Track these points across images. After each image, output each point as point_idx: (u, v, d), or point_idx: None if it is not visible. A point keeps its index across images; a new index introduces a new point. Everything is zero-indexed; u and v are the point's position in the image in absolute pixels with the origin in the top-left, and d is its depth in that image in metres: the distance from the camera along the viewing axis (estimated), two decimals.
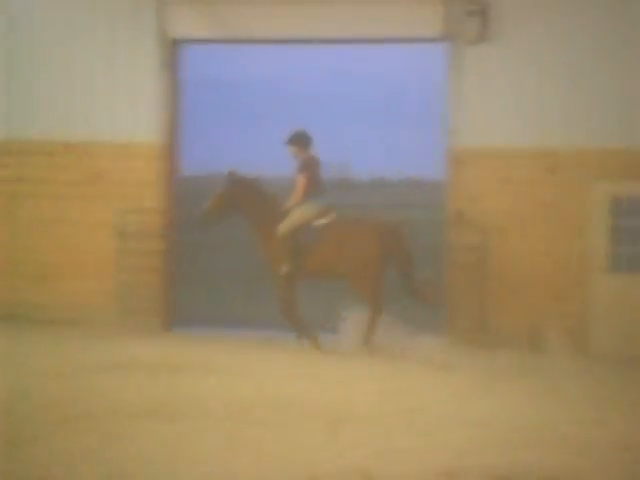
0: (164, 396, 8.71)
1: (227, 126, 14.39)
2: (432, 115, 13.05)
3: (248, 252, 12.72)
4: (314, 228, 11.68)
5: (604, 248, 12.35)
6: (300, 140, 11.87)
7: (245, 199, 11.86)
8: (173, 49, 13.25)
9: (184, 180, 13.55)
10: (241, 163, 12.36)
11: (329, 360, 11.02)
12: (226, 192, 11.83)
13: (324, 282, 12.18)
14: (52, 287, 13.28)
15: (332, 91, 14.43)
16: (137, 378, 9.59)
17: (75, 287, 13.12)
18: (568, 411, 8.62)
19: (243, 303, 13.48)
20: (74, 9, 13.40)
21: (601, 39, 12.40)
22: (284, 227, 11.67)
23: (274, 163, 12.62)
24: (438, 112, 12.79)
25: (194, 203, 12.46)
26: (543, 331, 11.95)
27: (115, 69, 13.27)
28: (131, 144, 12.22)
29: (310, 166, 11.82)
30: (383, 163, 14.67)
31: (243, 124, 14.34)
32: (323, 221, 11.71)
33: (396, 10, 12.65)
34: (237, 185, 11.87)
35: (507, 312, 12.38)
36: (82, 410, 8.07)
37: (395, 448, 7.14)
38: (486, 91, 12.57)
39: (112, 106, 13.26)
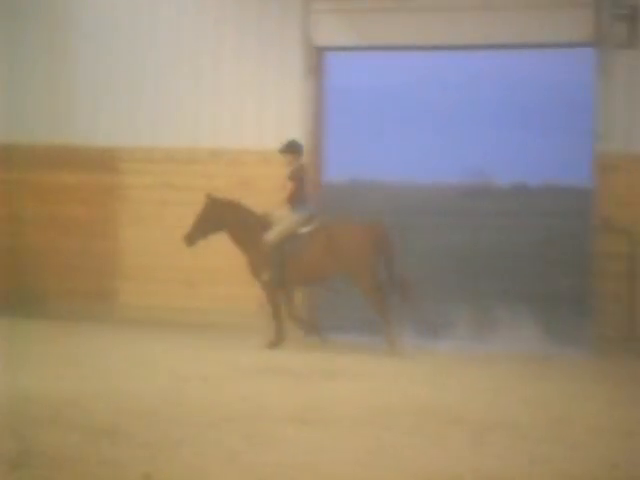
0: (308, 401, 8.79)
1: (370, 132, 14.44)
2: (579, 120, 12.84)
3: None
4: (301, 235, 11.93)
5: None
6: (294, 149, 12.11)
7: (224, 216, 12.19)
8: (318, 56, 13.37)
9: (328, 186, 13.66)
10: (384, 169, 12.36)
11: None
12: (204, 213, 12.21)
13: (319, 285, 12.56)
14: (201, 292, 13.56)
15: (474, 96, 14.35)
16: (282, 383, 9.72)
17: (224, 292, 13.36)
18: None
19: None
20: (223, 17, 13.64)
21: None
22: (272, 236, 11.92)
23: (421, 169, 12.57)
24: (585, 117, 12.56)
25: (338, 209, 12.56)
26: None
27: (263, 77, 13.46)
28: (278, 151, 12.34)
29: (300, 175, 12.09)
30: (525, 169, 14.50)
31: (386, 130, 14.37)
32: (308, 228, 11.95)
33: (543, 15, 12.49)
34: (215, 205, 12.24)
35: None
36: (228, 414, 8.20)
37: (543, 458, 7.03)
38: (635, 96, 12.30)
39: (259, 113, 13.45)
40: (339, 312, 13.11)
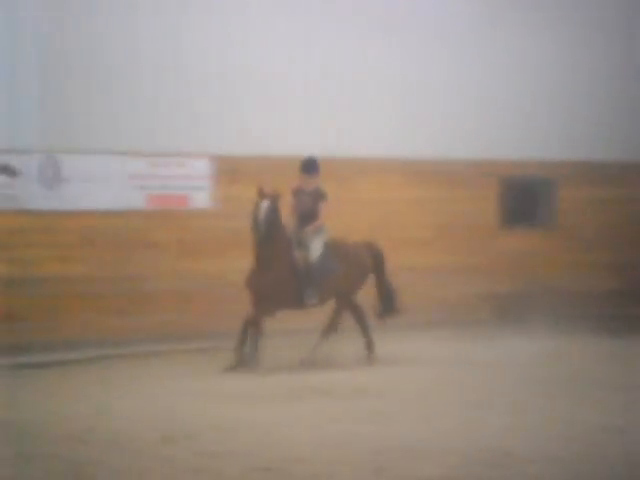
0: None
1: None
2: None
3: None
4: (327, 254, 12.06)
5: None
6: (317, 168, 12.21)
7: None
8: None
9: None
10: None
11: None
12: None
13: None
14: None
15: None
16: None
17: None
18: None
19: None
20: None
21: None
22: (315, 254, 11.97)
23: None
24: None
25: None
26: None
27: None
28: None
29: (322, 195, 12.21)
30: None
31: None
32: (328, 247, 12.13)
33: None
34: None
35: None
36: None
37: None
38: None
39: None
40: None
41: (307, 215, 12.07)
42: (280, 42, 14.22)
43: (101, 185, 12.86)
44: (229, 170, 13.88)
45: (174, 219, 13.47)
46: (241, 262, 13.64)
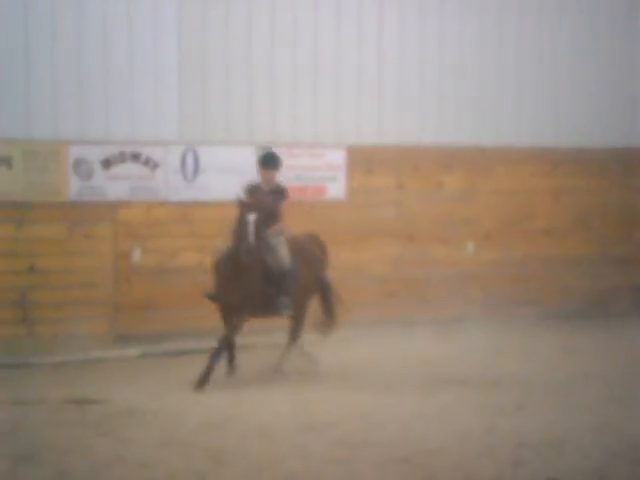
0: None
1: None
2: None
3: None
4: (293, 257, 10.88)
5: None
6: (277, 162, 10.96)
7: None
8: None
9: None
10: None
11: None
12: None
13: None
14: None
15: None
16: None
17: None
18: None
19: None
20: None
21: None
22: (286, 258, 10.80)
23: None
24: None
25: None
26: None
27: None
28: None
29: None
30: None
31: None
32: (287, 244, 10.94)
33: None
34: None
35: None
36: None
37: None
38: None
39: None
40: None
41: (266, 215, 10.54)
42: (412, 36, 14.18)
43: (238, 176, 12.98)
44: (365, 160, 13.87)
45: (310, 209, 13.53)
46: (377, 252, 13.66)
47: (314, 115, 13.66)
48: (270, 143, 12.95)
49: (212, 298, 10.70)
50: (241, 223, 10.37)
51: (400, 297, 13.90)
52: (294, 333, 11.34)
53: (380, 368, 11.23)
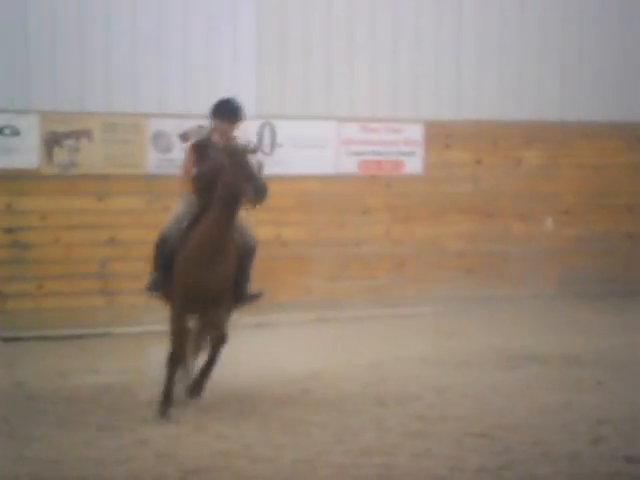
0: None
1: None
2: None
3: None
4: None
5: None
6: (240, 113, 8.50)
7: None
8: None
9: None
10: None
11: None
12: None
13: None
14: None
15: None
16: None
17: None
18: None
19: None
20: None
21: None
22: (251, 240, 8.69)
23: None
24: None
25: None
26: None
27: None
28: None
29: None
30: None
31: None
32: None
33: None
34: None
35: None
36: None
37: None
38: None
39: None
40: None
41: None
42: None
43: (316, 150, 12.97)
44: (443, 135, 13.77)
45: (387, 184, 13.47)
46: (454, 228, 13.54)
47: (392, 90, 13.58)
48: (348, 118, 12.91)
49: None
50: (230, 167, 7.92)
51: (478, 273, 13.79)
52: (197, 344, 8.77)
53: (457, 345, 11.16)
